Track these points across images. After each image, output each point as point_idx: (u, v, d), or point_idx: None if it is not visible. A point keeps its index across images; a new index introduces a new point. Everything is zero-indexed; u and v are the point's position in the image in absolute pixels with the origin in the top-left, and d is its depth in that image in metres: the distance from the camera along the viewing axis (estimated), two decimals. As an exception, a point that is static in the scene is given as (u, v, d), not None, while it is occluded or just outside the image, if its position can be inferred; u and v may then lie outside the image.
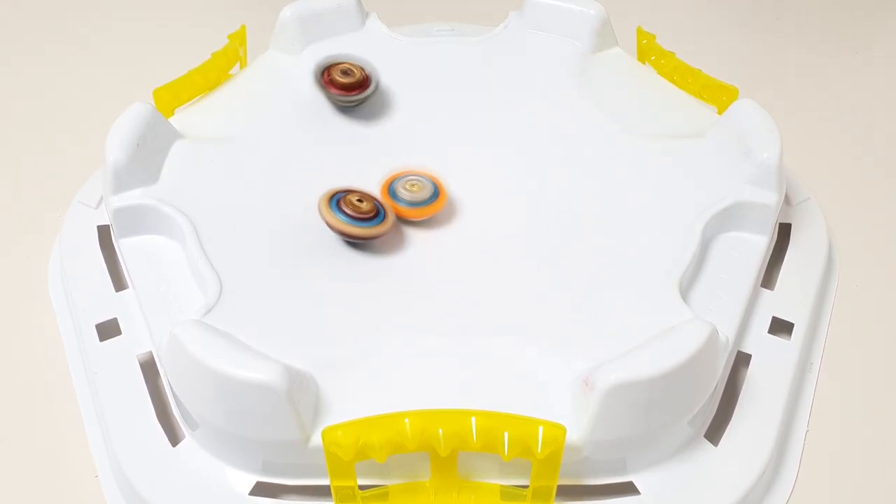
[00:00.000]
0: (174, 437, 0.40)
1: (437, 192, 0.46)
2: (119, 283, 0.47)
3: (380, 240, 0.45)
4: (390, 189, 0.46)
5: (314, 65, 0.51)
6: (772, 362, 0.44)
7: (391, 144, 0.50)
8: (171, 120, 0.50)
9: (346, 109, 0.52)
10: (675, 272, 0.43)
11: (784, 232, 0.50)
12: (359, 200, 0.44)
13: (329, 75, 0.50)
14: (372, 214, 0.44)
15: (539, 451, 0.35)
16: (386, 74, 0.54)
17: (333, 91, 0.50)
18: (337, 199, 0.44)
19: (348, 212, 0.43)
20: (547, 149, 0.50)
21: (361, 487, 0.37)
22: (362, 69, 0.51)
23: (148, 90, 0.51)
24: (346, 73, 0.50)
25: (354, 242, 0.44)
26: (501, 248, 0.45)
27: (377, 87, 0.51)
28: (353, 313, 0.42)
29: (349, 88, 0.50)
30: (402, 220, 0.46)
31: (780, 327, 0.46)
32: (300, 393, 0.37)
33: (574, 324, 0.41)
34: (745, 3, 0.75)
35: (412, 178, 0.46)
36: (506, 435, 0.35)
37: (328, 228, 0.44)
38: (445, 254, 0.45)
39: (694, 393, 0.39)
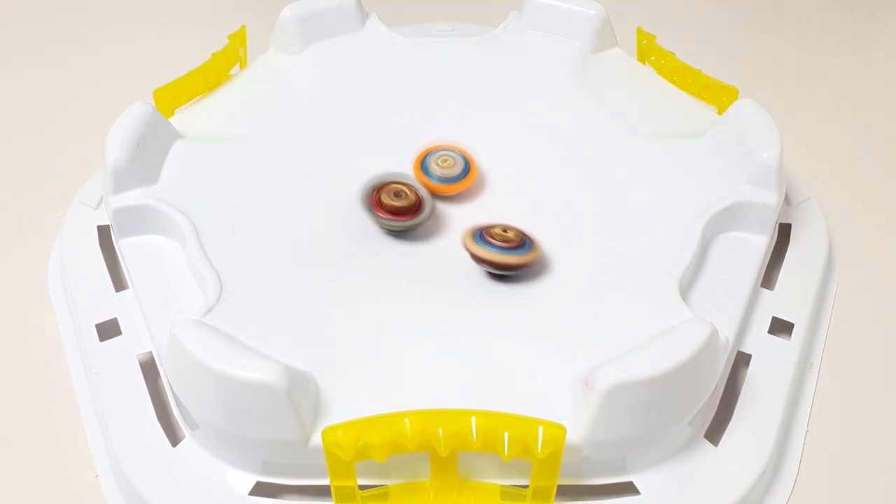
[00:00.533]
0: (174, 437, 0.40)
1: (467, 168, 0.47)
2: (119, 283, 0.47)
3: (377, 240, 0.45)
4: (423, 165, 0.47)
5: (362, 186, 0.46)
6: (772, 362, 0.44)
7: (391, 145, 0.50)
8: (171, 120, 0.50)
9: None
10: (675, 272, 0.43)
11: (784, 232, 0.50)
12: (503, 230, 0.44)
13: (378, 197, 0.46)
14: (521, 242, 0.43)
15: (539, 451, 0.35)
16: (386, 74, 0.54)
17: (382, 215, 0.45)
18: (480, 233, 0.44)
19: (496, 243, 0.43)
20: (547, 149, 0.50)
21: (361, 487, 0.37)
22: (416, 190, 0.46)
23: (148, 90, 0.51)
24: (397, 195, 0.46)
25: (500, 273, 0.44)
26: (501, 248, 0.45)
27: (432, 211, 0.46)
28: (353, 313, 0.42)
29: (400, 213, 0.45)
30: (437, 196, 0.47)
31: (780, 327, 0.45)
32: (300, 393, 0.37)
33: (574, 324, 0.41)
34: (745, 3, 0.75)
35: (444, 152, 0.47)
36: (506, 435, 0.35)
37: (471, 260, 0.43)
38: (444, 254, 0.45)
39: (694, 393, 0.39)
